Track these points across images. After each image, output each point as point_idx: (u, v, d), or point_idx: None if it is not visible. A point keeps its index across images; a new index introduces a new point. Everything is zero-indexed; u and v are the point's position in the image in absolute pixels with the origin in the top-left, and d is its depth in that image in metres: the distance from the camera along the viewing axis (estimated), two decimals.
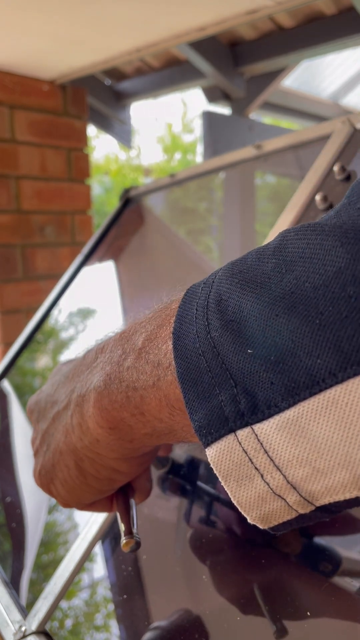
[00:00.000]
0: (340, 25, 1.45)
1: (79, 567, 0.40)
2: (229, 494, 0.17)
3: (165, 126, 6.25)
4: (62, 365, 0.31)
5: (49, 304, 0.82)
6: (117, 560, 0.39)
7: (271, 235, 0.47)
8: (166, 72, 1.80)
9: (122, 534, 0.28)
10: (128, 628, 0.36)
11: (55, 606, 0.39)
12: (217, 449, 0.16)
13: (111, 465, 0.25)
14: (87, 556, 0.40)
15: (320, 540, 0.30)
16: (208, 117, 1.79)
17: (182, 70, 1.76)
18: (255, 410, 0.15)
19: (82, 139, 1.56)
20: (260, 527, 0.17)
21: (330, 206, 0.44)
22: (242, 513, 0.17)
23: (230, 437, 0.16)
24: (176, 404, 0.19)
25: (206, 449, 0.16)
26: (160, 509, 0.39)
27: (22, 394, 0.76)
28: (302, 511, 0.16)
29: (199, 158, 6.18)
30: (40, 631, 0.38)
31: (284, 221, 0.46)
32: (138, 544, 0.28)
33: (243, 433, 0.16)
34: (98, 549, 0.41)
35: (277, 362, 0.15)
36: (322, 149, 0.48)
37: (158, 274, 0.77)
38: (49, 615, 0.39)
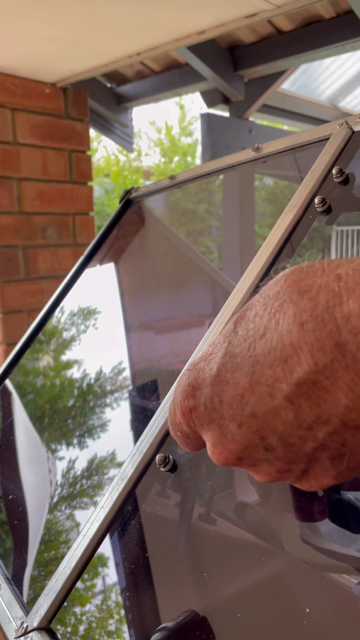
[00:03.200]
0: (339, 29, 1.46)
1: (81, 565, 0.40)
2: None
3: (164, 129, 6.28)
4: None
5: (50, 304, 0.83)
6: (119, 558, 0.40)
7: (271, 236, 0.48)
8: (166, 75, 1.81)
9: None
10: (130, 624, 0.37)
11: (57, 603, 0.40)
12: None
13: None
14: (88, 554, 0.41)
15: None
16: (207, 119, 1.80)
17: (182, 73, 1.77)
18: None
19: (84, 141, 1.57)
20: None
21: (329, 208, 0.45)
22: None
23: None
24: None
25: None
26: (163, 508, 0.39)
27: (25, 393, 0.76)
28: None
29: (198, 160, 6.20)
30: (42, 628, 0.39)
31: (283, 223, 0.47)
32: None
33: None
34: (100, 545, 0.41)
35: None
36: (321, 151, 0.49)
37: (158, 274, 0.77)
38: (51, 612, 0.39)
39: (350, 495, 0.29)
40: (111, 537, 0.41)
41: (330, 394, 0.18)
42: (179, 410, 0.23)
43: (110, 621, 0.39)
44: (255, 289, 0.45)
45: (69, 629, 0.39)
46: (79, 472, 0.55)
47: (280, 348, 0.19)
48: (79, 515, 0.50)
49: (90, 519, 0.42)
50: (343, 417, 0.18)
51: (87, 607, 0.40)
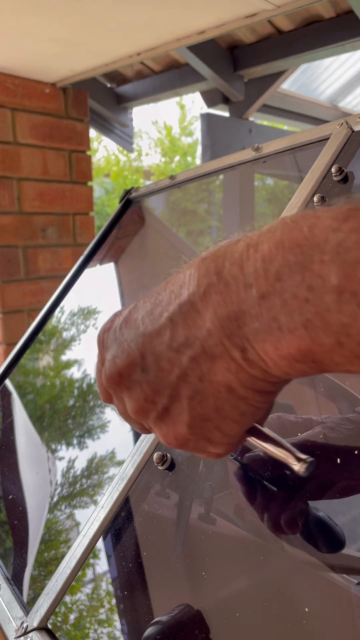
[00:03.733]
0: (339, 29, 1.46)
1: (81, 564, 0.40)
2: None
3: (164, 129, 6.28)
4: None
5: (51, 304, 0.83)
6: (118, 557, 0.40)
7: None
8: (166, 75, 1.81)
9: (291, 462, 0.25)
10: (129, 624, 0.37)
11: (56, 603, 0.40)
12: None
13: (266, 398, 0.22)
14: (88, 553, 0.41)
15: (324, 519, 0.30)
16: (207, 119, 1.80)
17: (182, 73, 1.77)
18: None
19: (84, 141, 1.57)
20: None
21: None
22: None
23: None
24: None
25: None
26: (160, 506, 0.39)
27: (25, 393, 0.76)
28: None
29: (198, 160, 6.20)
30: (42, 627, 0.39)
31: None
32: (313, 463, 0.25)
33: None
34: (99, 545, 0.41)
35: None
36: (321, 151, 0.49)
37: (158, 274, 0.77)
38: (51, 612, 0.39)
39: (323, 513, 0.30)
40: (111, 537, 0.41)
41: (200, 316, 0.21)
42: (100, 330, 0.26)
43: (109, 619, 0.39)
44: None
45: (67, 628, 0.39)
46: (78, 472, 0.55)
47: (182, 279, 0.22)
48: (79, 515, 0.50)
49: (90, 518, 0.42)
50: (204, 341, 0.21)
51: (85, 604, 0.40)
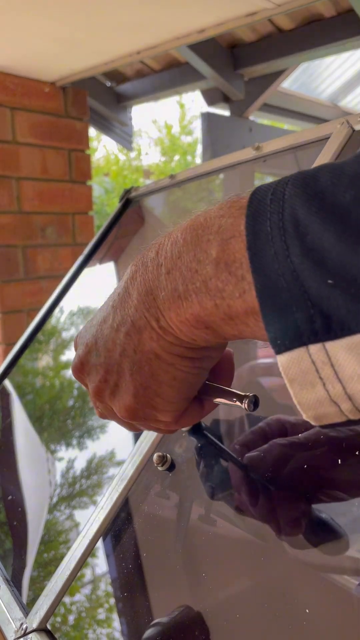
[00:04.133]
0: (340, 28, 1.46)
1: (80, 565, 0.40)
2: (292, 395, 0.19)
3: (164, 128, 6.27)
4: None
5: (50, 304, 0.83)
6: (118, 558, 0.40)
7: None
8: (166, 74, 1.81)
9: (237, 401, 0.28)
10: (129, 625, 0.36)
11: (56, 604, 0.39)
12: (289, 357, 0.19)
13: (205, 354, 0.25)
14: (88, 554, 0.41)
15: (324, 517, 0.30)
16: (207, 118, 1.80)
17: (182, 72, 1.77)
18: (328, 330, 0.18)
19: (83, 140, 1.57)
20: (313, 424, 0.20)
21: None
22: (300, 411, 0.20)
23: (302, 350, 0.19)
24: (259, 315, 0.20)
25: (277, 356, 0.19)
26: (160, 507, 0.39)
27: (24, 393, 0.76)
28: (352, 417, 0.19)
29: (198, 159, 6.19)
30: (42, 629, 0.39)
31: None
32: (256, 397, 0.27)
33: (315, 348, 0.18)
34: (99, 546, 0.41)
35: (356, 295, 0.17)
36: (321, 150, 0.49)
37: None
38: (50, 613, 0.39)
39: (326, 515, 0.30)
40: (111, 537, 0.41)
41: (130, 297, 0.25)
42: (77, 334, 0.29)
43: (108, 620, 0.38)
44: None
45: (67, 630, 0.38)
46: (78, 473, 0.55)
47: (123, 276, 0.26)
48: (79, 515, 0.49)
49: (90, 519, 0.42)
50: (132, 317, 0.24)
51: (85, 606, 0.40)
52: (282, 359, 0.19)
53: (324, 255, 0.18)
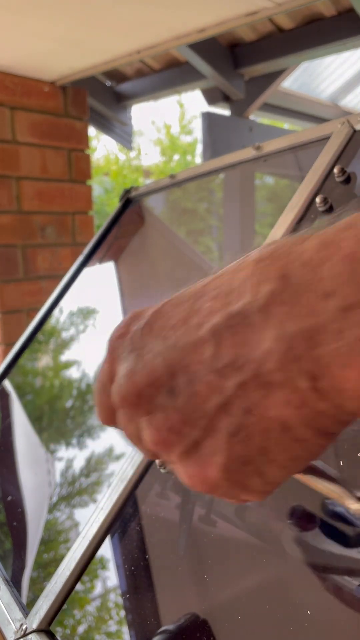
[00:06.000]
0: (340, 27, 1.46)
1: (80, 566, 0.40)
2: None
3: (164, 128, 6.26)
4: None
5: (50, 304, 0.82)
6: (119, 559, 0.40)
7: (271, 236, 0.47)
8: (166, 73, 1.80)
9: (347, 501, 0.21)
10: (129, 625, 0.36)
11: (56, 605, 0.39)
12: None
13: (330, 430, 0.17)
14: (88, 555, 0.41)
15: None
16: (208, 118, 1.80)
17: (182, 71, 1.77)
18: None
19: (83, 140, 1.57)
20: None
21: (331, 208, 0.45)
22: None
23: None
24: None
25: None
26: (162, 509, 0.39)
27: (24, 393, 0.76)
28: None
29: (198, 159, 6.19)
30: (41, 629, 0.39)
31: (284, 222, 0.46)
32: None
33: None
34: (99, 547, 0.41)
35: None
36: (322, 150, 0.49)
37: (158, 274, 0.77)
38: (50, 614, 0.39)
39: (342, 508, 0.29)
40: (111, 538, 0.41)
41: (256, 332, 0.16)
42: (112, 335, 0.20)
43: (110, 623, 0.38)
44: None
45: (68, 631, 0.38)
46: (77, 473, 0.55)
47: (228, 282, 0.17)
48: (78, 516, 0.49)
49: (90, 520, 0.42)
50: (258, 365, 0.16)
51: (85, 606, 0.40)
52: None
53: None
